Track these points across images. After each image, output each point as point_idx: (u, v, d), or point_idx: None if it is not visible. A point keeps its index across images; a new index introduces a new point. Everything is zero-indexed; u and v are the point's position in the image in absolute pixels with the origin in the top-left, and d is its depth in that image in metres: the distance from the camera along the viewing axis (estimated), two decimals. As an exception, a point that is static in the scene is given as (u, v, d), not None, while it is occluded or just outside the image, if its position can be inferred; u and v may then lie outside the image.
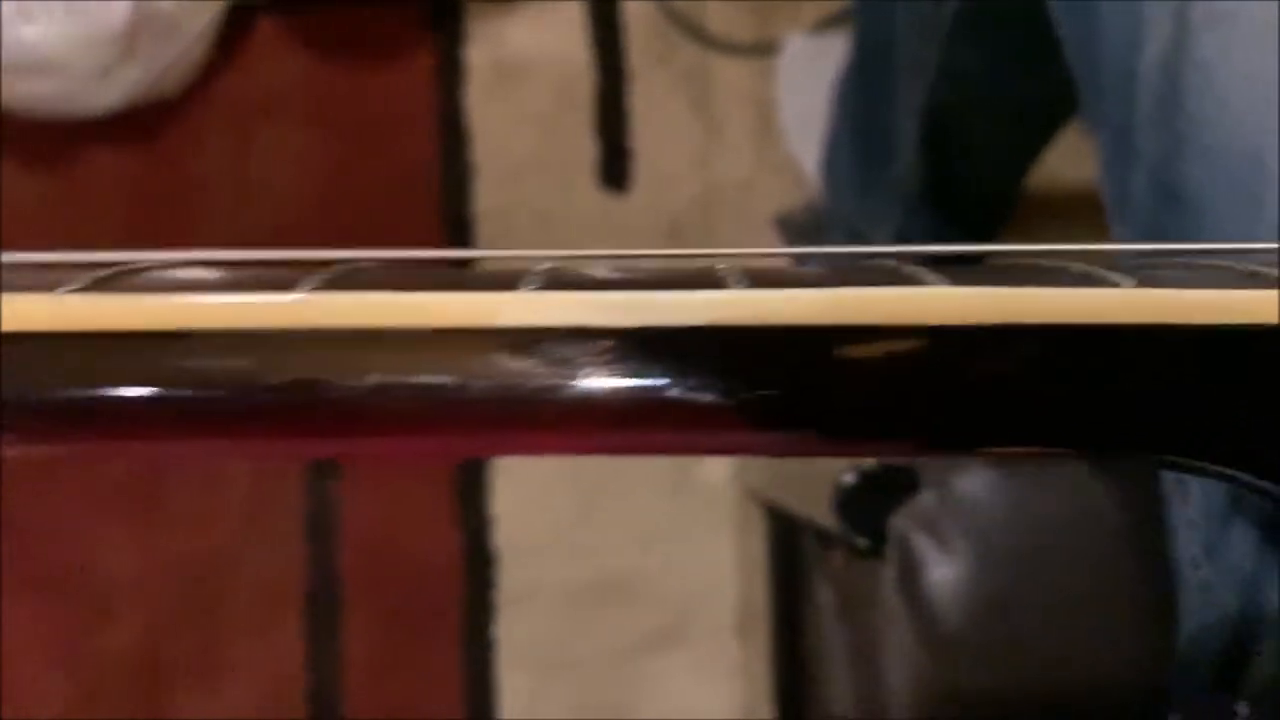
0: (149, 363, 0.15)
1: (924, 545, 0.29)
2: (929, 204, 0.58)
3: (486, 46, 0.70)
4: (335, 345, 0.17)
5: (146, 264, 0.18)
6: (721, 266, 0.24)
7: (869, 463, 0.28)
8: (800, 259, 0.24)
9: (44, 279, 0.15)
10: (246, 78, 0.70)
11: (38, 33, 0.62)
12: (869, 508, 0.29)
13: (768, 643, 0.56)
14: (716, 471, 0.63)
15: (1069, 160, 0.60)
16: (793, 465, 0.40)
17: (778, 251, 0.40)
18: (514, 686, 0.66)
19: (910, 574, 0.30)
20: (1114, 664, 0.31)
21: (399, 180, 0.67)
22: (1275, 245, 0.19)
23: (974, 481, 0.23)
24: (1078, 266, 0.17)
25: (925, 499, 0.27)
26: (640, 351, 0.19)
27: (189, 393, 0.15)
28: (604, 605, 0.64)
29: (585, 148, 0.71)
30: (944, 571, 0.28)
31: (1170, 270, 0.18)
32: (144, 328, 0.15)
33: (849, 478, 0.29)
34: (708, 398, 0.20)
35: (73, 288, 0.15)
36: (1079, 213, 0.69)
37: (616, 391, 0.19)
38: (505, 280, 0.23)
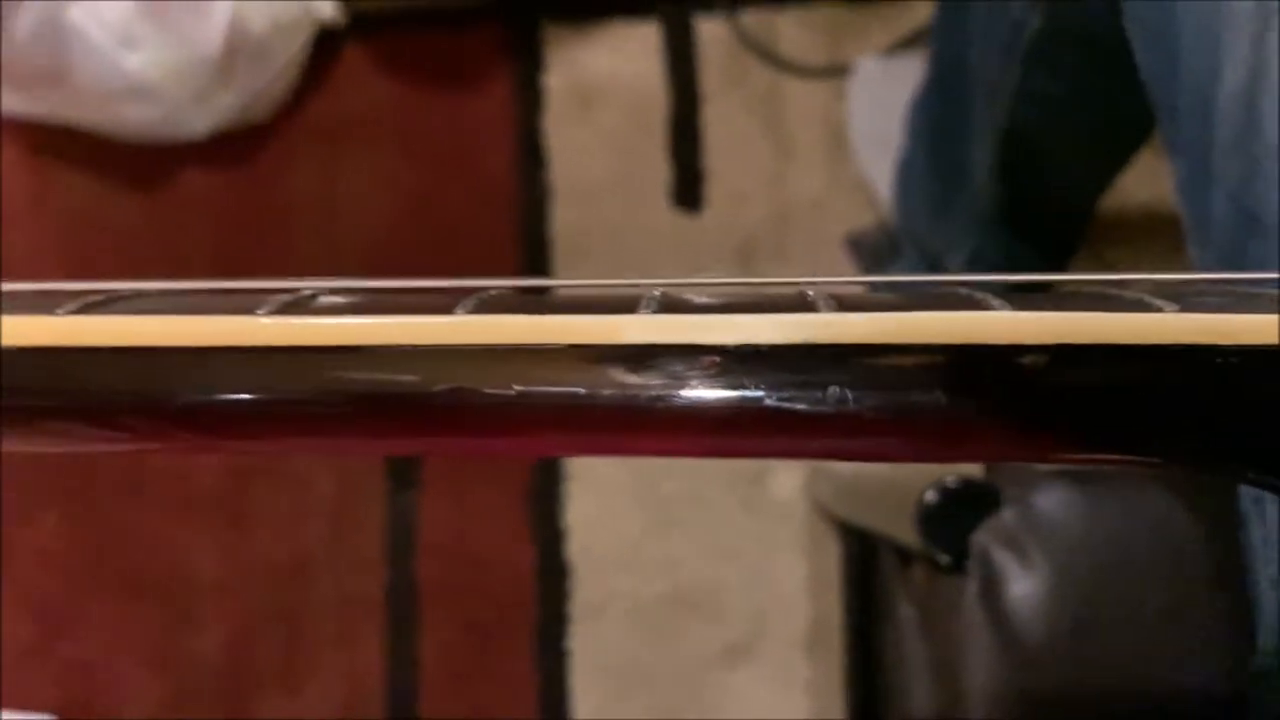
0: (339, 372, 0.17)
1: (1005, 560, 0.29)
2: (1003, 226, 0.59)
3: (563, 71, 0.72)
4: (486, 359, 0.19)
5: (128, 292, 0.21)
6: (808, 291, 0.25)
7: (951, 480, 0.28)
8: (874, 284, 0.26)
9: (238, 302, 0.17)
10: (333, 102, 0.72)
11: (140, 60, 0.65)
12: (951, 524, 0.30)
13: (841, 657, 0.57)
14: (787, 488, 0.64)
15: (1143, 182, 0.60)
16: (871, 484, 0.41)
17: (854, 279, 0.41)
18: (586, 698, 0.67)
19: (992, 588, 0.30)
20: (1191, 680, 0.32)
21: (479, 200, 0.69)
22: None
23: (1054, 499, 0.24)
24: (1131, 294, 0.19)
25: (1006, 516, 0.28)
26: (740, 366, 0.22)
27: (365, 398, 0.18)
28: (675, 619, 0.65)
29: (659, 169, 0.72)
30: (1025, 586, 0.28)
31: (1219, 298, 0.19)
32: (329, 343, 0.17)
33: (932, 495, 0.30)
34: (799, 406, 0.21)
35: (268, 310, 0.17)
36: (1152, 234, 0.69)
37: (720, 400, 0.21)
38: (624, 304, 0.25)
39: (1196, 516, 0.38)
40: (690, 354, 0.22)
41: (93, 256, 0.75)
